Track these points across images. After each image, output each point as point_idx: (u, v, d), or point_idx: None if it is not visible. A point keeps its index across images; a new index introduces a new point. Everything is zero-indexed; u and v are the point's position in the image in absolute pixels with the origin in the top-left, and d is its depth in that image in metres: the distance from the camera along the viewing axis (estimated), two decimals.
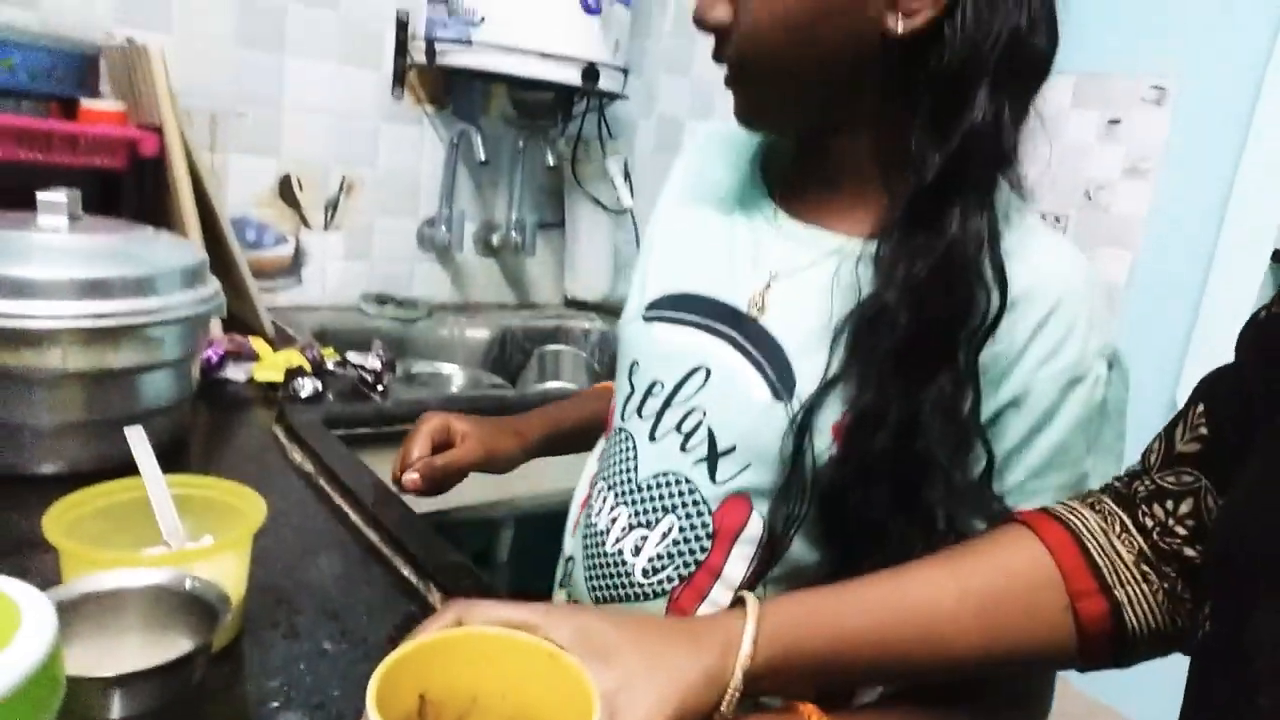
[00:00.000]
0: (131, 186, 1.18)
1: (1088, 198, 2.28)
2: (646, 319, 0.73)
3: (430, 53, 1.54)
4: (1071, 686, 2.32)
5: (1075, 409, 0.59)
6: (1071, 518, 0.54)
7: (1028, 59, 0.57)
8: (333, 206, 1.64)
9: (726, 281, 0.69)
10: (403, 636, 0.46)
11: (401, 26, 1.62)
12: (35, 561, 0.62)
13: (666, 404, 0.69)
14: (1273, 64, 1.94)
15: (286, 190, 1.59)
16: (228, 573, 0.57)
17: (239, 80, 1.48)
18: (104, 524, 0.59)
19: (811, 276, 0.64)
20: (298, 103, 1.55)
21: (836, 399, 0.60)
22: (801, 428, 0.60)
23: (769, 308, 0.66)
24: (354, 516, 0.80)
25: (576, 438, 0.90)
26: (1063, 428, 0.59)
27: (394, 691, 0.39)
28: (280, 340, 1.38)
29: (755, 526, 0.65)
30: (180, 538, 0.60)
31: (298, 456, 0.93)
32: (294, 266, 1.64)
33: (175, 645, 0.46)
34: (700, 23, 0.61)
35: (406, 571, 0.72)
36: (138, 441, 0.62)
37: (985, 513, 0.59)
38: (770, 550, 0.64)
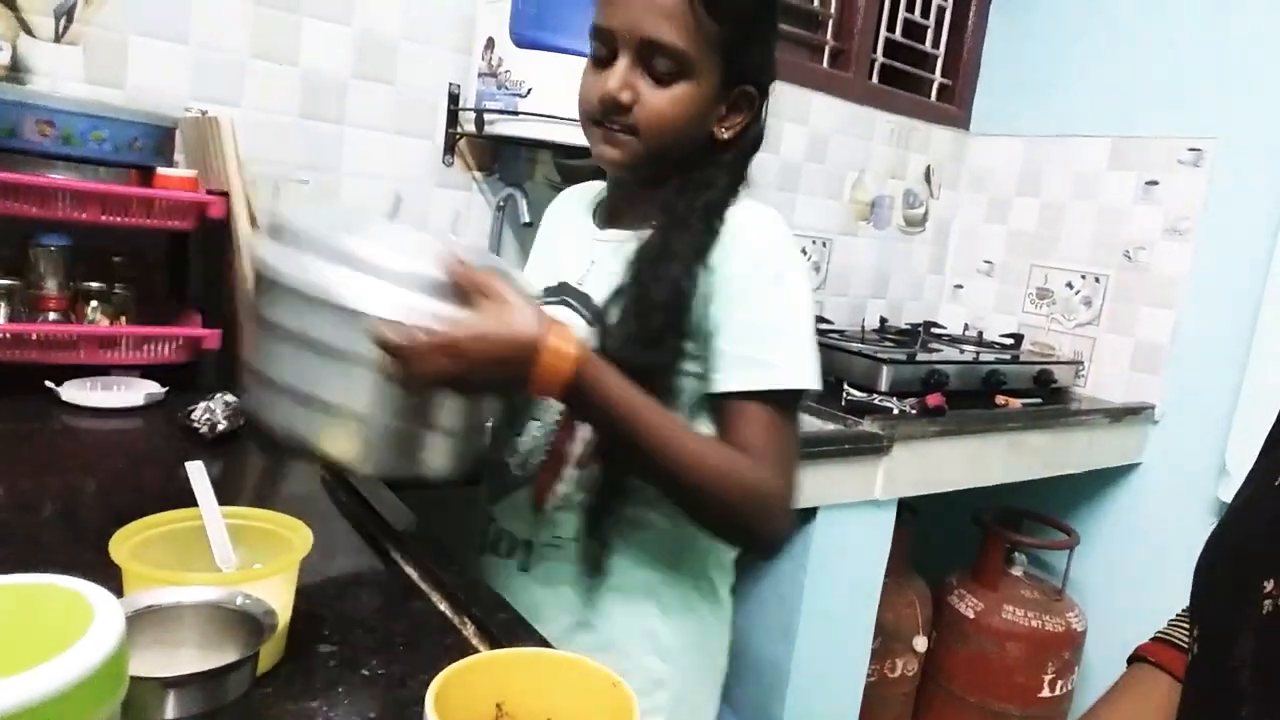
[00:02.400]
0: (199, 244, 1.27)
1: (1127, 258, 2.29)
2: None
3: (480, 122, 1.63)
4: None
5: (742, 272, 0.86)
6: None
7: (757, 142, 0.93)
8: None
9: (563, 272, 0.98)
10: (441, 666, 0.49)
11: (453, 99, 1.72)
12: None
13: None
14: None
15: None
16: (274, 597, 0.61)
17: (302, 149, 1.58)
18: (163, 552, 0.63)
19: (614, 257, 0.91)
20: (355, 169, 1.65)
21: (617, 308, 0.87)
22: (601, 324, 0.89)
23: (587, 280, 0.94)
24: (394, 554, 0.84)
25: None
26: (738, 285, 0.85)
27: (469, 695, 0.42)
28: None
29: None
30: (232, 565, 0.64)
31: (343, 497, 0.97)
32: None
33: (227, 657, 0.50)
34: (610, 99, 0.84)
35: (443, 606, 0.76)
36: (197, 475, 0.67)
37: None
38: None
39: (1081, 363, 2.35)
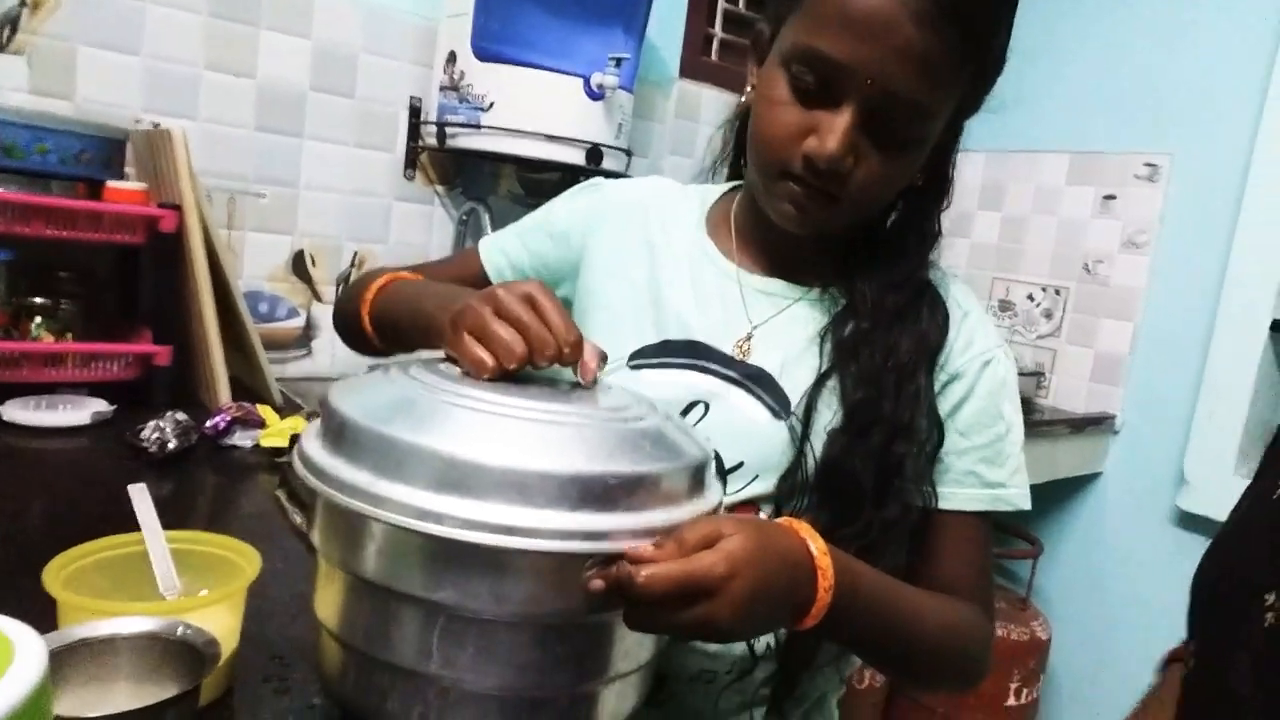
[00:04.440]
0: (150, 259, 1.23)
1: (1087, 270, 2.32)
2: (633, 367, 0.80)
3: (441, 136, 1.61)
4: None
5: (987, 383, 0.76)
6: None
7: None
8: (344, 281, 1.69)
9: (708, 330, 0.79)
10: None
11: (415, 112, 1.70)
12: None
13: None
14: (1260, 139, 1.99)
15: (299, 265, 1.64)
16: (220, 624, 0.58)
17: (258, 163, 1.55)
18: (103, 578, 0.61)
19: (784, 319, 0.79)
20: (313, 182, 1.62)
21: (827, 407, 0.74)
22: (804, 430, 0.73)
23: (753, 350, 0.77)
24: None
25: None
26: (981, 396, 0.76)
27: None
28: (288, 408, 1.41)
29: None
30: (176, 591, 0.62)
31: (298, 519, 0.94)
32: (304, 338, 1.68)
33: (165, 691, 0.48)
34: (830, 164, 0.67)
35: None
36: (139, 498, 0.64)
37: (931, 485, 0.74)
38: None
39: (1043, 374, 2.38)
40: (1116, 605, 2.24)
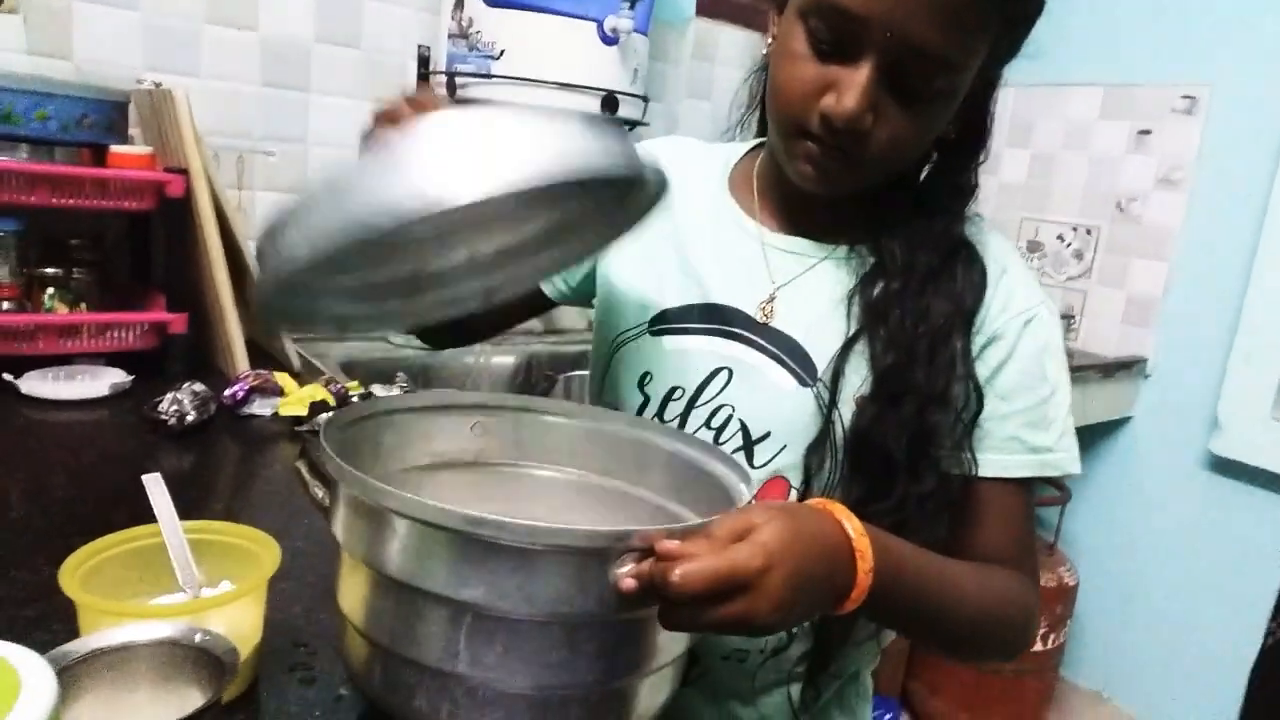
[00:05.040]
0: (160, 225, 1.21)
1: (1119, 209, 2.25)
2: (654, 333, 0.78)
3: (451, 86, 1.56)
4: (1069, 682, 2.26)
5: (1029, 343, 0.71)
6: None
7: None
8: None
9: (730, 293, 0.76)
10: None
11: (423, 61, 1.64)
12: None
13: (691, 405, 0.76)
14: None
15: None
16: (243, 620, 0.57)
17: (265, 119, 1.51)
18: (124, 570, 0.59)
19: (809, 280, 0.75)
20: (322, 138, 1.58)
21: (857, 370, 0.70)
22: (831, 398, 0.70)
23: (777, 313, 0.74)
24: None
25: None
26: (1023, 357, 0.71)
27: None
28: (306, 373, 1.40)
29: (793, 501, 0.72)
30: (196, 584, 0.60)
31: (320, 493, 0.93)
32: None
33: (185, 699, 0.47)
34: (849, 122, 0.63)
35: None
36: (155, 489, 0.63)
37: (970, 454, 0.70)
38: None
39: (1073, 317, 2.32)
40: (1145, 551, 2.23)
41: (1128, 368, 2.19)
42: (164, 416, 1.05)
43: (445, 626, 0.49)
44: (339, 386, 1.20)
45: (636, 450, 0.69)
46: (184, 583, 0.60)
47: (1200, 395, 2.10)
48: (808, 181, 0.69)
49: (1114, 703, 2.27)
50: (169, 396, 1.06)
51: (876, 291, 0.71)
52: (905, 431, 0.68)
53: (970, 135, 0.73)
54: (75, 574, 0.55)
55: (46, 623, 0.63)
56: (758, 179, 0.80)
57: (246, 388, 1.14)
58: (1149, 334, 2.20)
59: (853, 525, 0.54)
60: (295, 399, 1.14)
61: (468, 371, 1.73)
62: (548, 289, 0.89)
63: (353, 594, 0.54)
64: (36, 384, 1.12)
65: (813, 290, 0.74)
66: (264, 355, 1.41)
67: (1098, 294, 2.30)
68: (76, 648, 0.45)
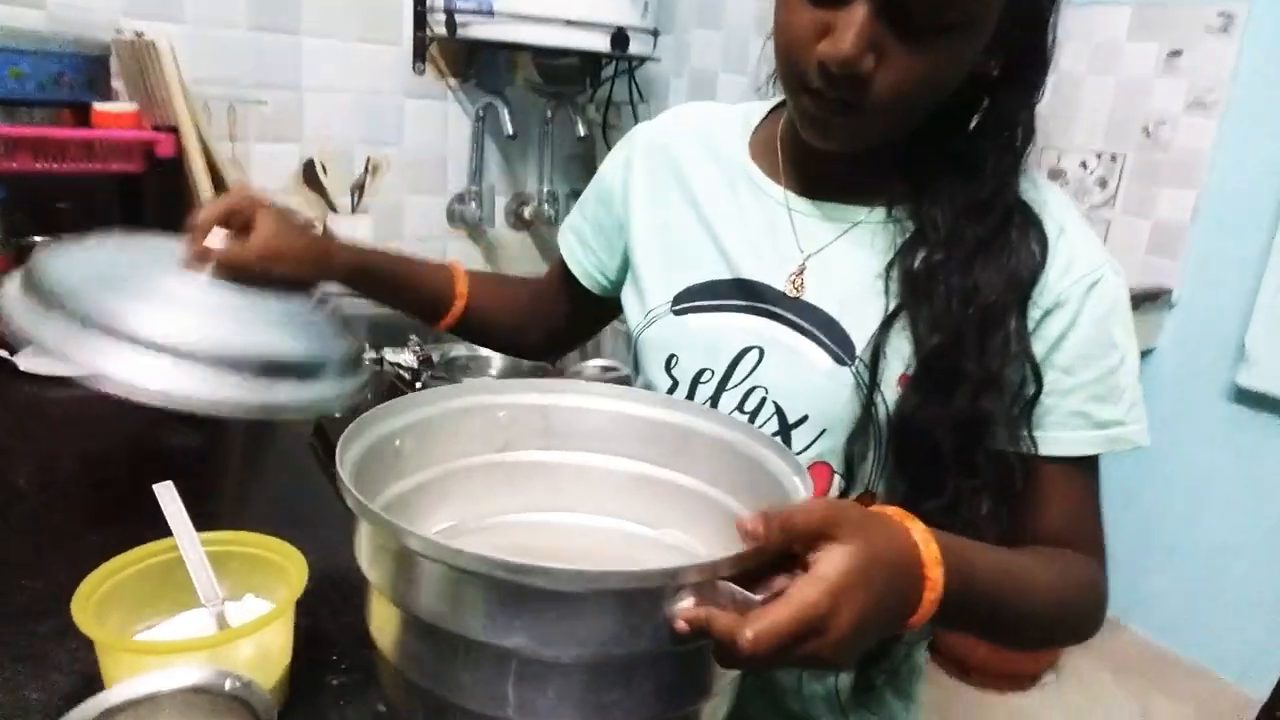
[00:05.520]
0: (153, 187, 1.14)
1: (1147, 135, 2.16)
2: (677, 312, 0.74)
3: (451, 25, 1.47)
4: (1129, 631, 2.28)
5: (1094, 308, 0.64)
6: None
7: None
8: (359, 188, 1.60)
9: (756, 265, 0.70)
10: None
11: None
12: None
13: (721, 388, 0.71)
14: None
15: (311, 175, 1.54)
16: (271, 643, 0.54)
17: (256, 66, 1.43)
18: (142, 588, 0.56)
19: (841, 248, 0.69)
20: (317, 84, 1.49)
21: (898, 350, 0.65)
22: (871, 379, 0.65)
23: (808, 285, 0.69)
24: None
25: (391, 290, 0.83)
26: (1088, 324, 0.64)
27: None
28: None
29: (837, 490, 0.68)
30: (219, 599, 0.57)
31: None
32: None
33: None
34: (846, 66, 0.56)
35: None
36: (169, 500, 0.59)
37: (1028, 434, 0.64)
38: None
39: None
40: (1168, 484, 2.21)
41: (1152, 299, 2.13)
42: None
43: (490, 673, 0.45)
44: None
45: (675, 434, 0.65)
46: (205, 599, 0.56)
47: (1227, 326, 2.05)
48: (815, 138, 0.63)
49: (1132, 629, 2.29)
50: None
51: (917, 263, 0.64)
52: (954, 421, 0.62)
53: (1020, 69, 0.63)
54: (90, 602, 0.51)
55: (64, 640, 0.59)
56: (782, 140, 0.73)
57: None
58: (1175, 264, 2.14)
59: (928, 550, 0.49)
60: None
61: None
62: (592, 286, 0.86)
63: (386, 629, 0.50)
64: (35, 360, 1.08)
65: (846, 259, 0.68)
66: None
67: (1122, 223, 2.23)
68: (100, 703, 0.41)
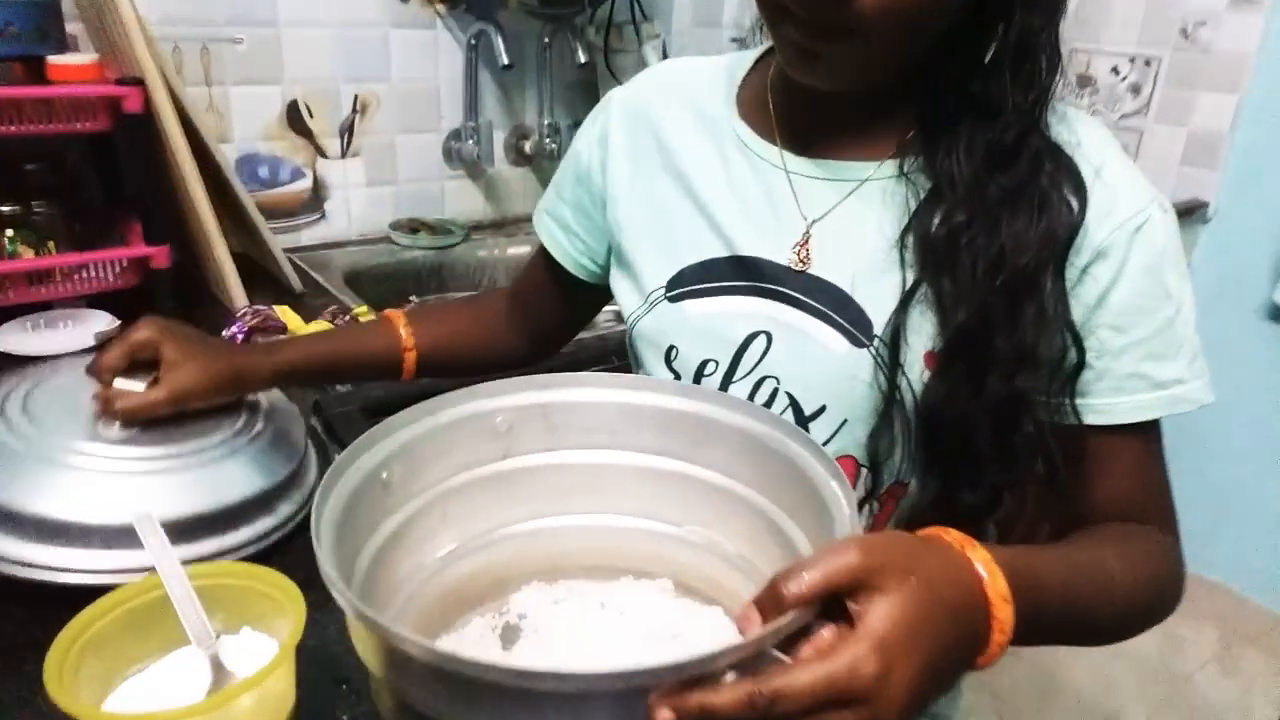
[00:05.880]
0: (124, 146, 1.05)
1: (1184, 35, 2.02)
2: (672, 299, 0.67)
3: None
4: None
5: (1143, 254, 0.57)
6: None
7: None
8: (348, 131, 1.50)
9: (755, 240, 0.64)
10: None
11: None
12: None
13: (728, 379, 0.65)
14: None
15: (296, 119, 1.44)
16: (275, 692, 0.49)
17: (227, 1, 1.32)
18: (126, 635, 0.51)
19: (849, 211, 0.62)
20: (295, 18, 1.38)
21: (921, 327, 0.58)
22: (893, 363, 0.58)
23: (815, 257, 0.62)
24: None
25: (329, 374, 0.81)
26: (1137, 273, 0.57)
27: None
28: (309, 292, 1.28)
29: (864, 485, 0.63)
30: (211, 639, 0.52)
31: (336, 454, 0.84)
32: (315, 200, 1.51)
33: None
34: None
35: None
36: (149, 532, 0.53)
37: (1074, 405, 0.58)
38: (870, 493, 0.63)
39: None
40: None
41: (1187, 213, 2.03)
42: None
43: None
44: (345, 319, 1.09)
45: (692, 425, 0.59)
46: (197, 640, 0.51)
47: (1265, 242, 1.96)
48: (803, 74, 0.57)
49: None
50: None
51: (935, 226, 0.57)
52: (988, 407, 0.56)
53: None
54: (67, 659, 0.46)
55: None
56: (772, 91, 0.66)
57: (245, 329, 1.03)
58: (1212, 175, 2.03)
59: (995, 586, 0.42)
60: None
61: (482, 266, 1.61)
62: (581, 273, 0.78)
63: (384, 700, 0.45)
64: (15, 338, 1.02)
65: (855, 224, 0.61)
66: (261, 275, 1.29)
67: (1155, 132, 2.11)
68: None
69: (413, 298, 1.16)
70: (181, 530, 0.61)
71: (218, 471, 0.65)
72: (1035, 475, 0.58)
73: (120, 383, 0.66)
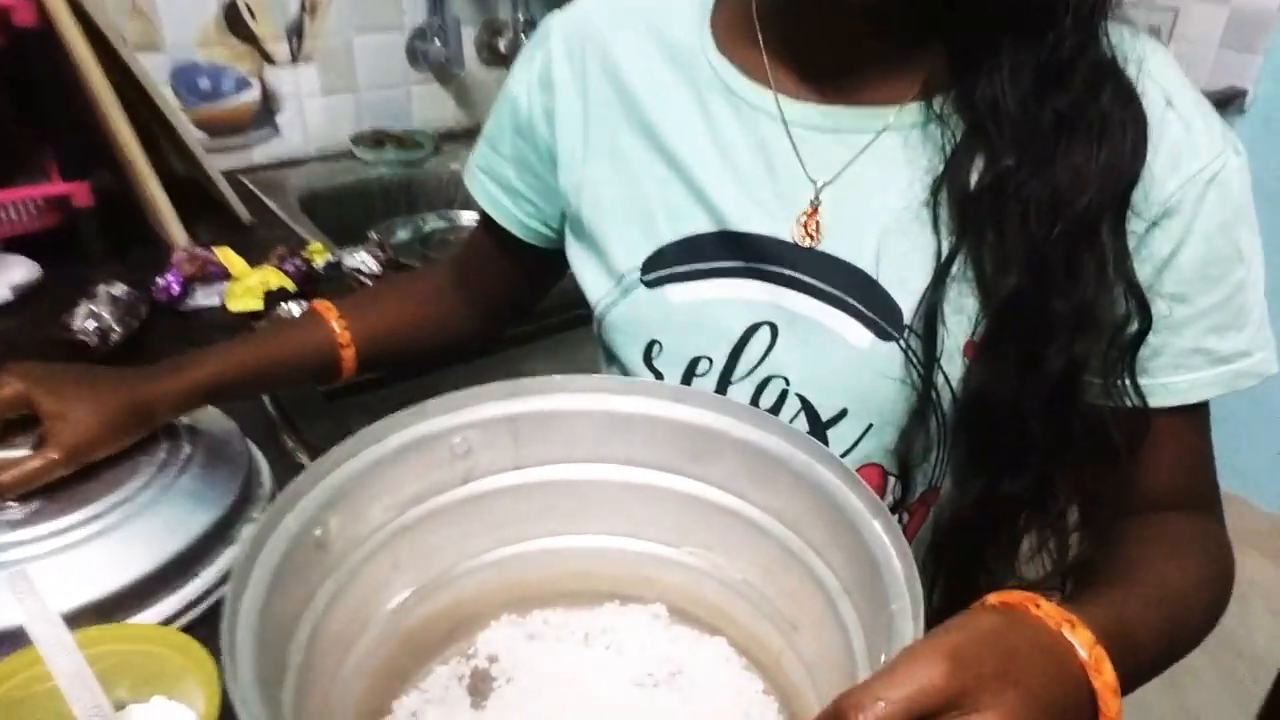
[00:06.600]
0: (19, 70, 0.91)
1: None
2: (650, 284, 0.56)
3: None
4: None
5: (1215, 211, 0.48)
6: None
7: None
8: (296, 32, 1.33)
9: (750, 210, 0.53)
10: None
11: None
12: None
13: (725, 381, 0.56)
14: None
15: (236, 20, 1.27)
16: None
17: None
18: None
19: (866, 170, 0.51)
20: None
21: (961, 308, 0.49)
22: (928, 356, 0.49)
23: (826, 229, 0.51)
24: None
25: (256, 384, 0.66)
26: (1205, 234, 0.48)
27: None
28: (260, 225, 1.15)
29: (892, 494, 0.55)
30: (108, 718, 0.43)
31: (290, 442, 0.74)
32: (265, 114, 1.36)
33: None
34: None
35: None
36: (25, 592, 0.43)
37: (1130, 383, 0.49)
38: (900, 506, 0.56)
39: (1158, 39, 1.96)
40: None
41: (1225, 102, 1.87)
42: (82, 337, 0.83)
43: None
44: (297, 262, 0.96)
45: (690, 435, 0.49)
46: None
47: None
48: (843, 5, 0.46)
49: None
50: (82, 308, 0.84)
51: (977, 175, 0.48)
52: (1045, 386, 0.48)
53: None
54: None
55: None
56: (761, 15, 0.53)
57: (179, 279, 0.91)
58: (1253, 60, 1.86)
59: (1103, 679, 0.34)
60: (244, 288, 0.92)
61: (456, 182, 1.47)
62: (534, 240, 0.65)
63: None
64: None
65: (875, 185, 0.51)
66: (205, 202, 1.15)
67: (1192, 12, 1.93)
68: None
69: (370, 233, 1.03)
70: (130, 601, 0.50)
71: (153, 520, 0.54)
72: (1088, 464, 0.51)
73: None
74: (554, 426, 0.49)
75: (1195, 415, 0.53)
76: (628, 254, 0.56)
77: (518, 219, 0.64)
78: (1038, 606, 0.35)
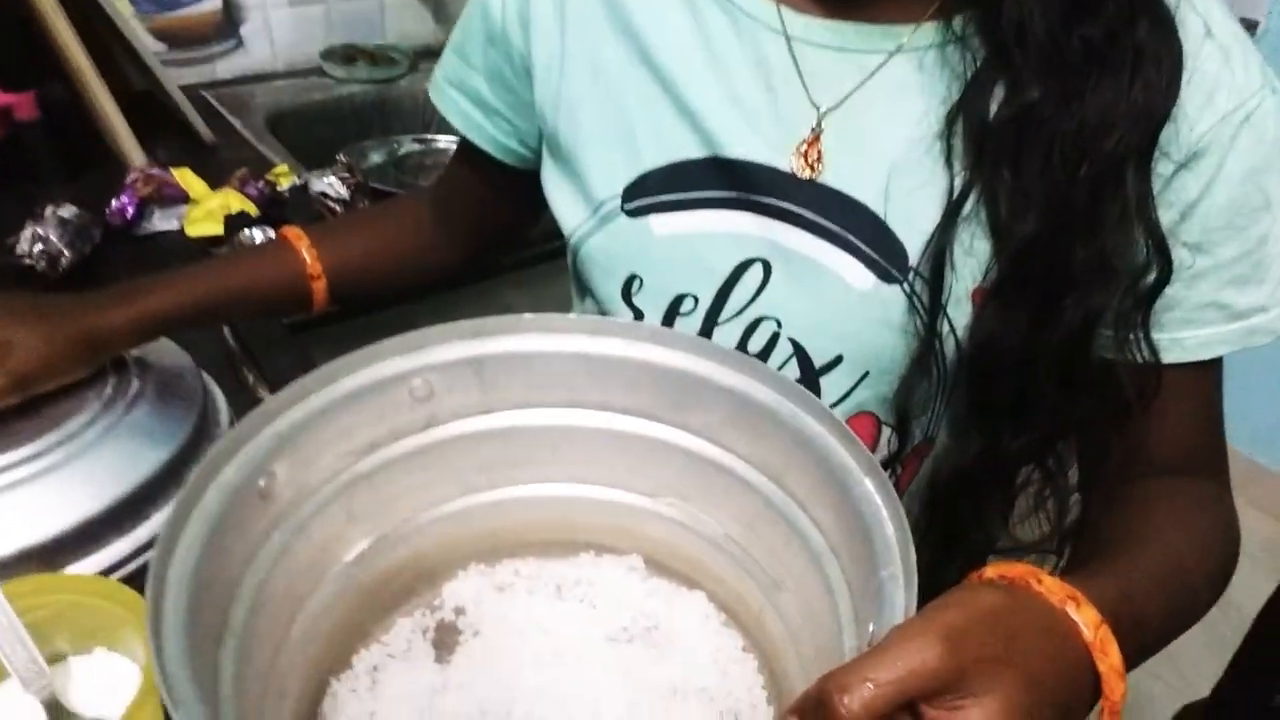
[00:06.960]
0: None
1: None
2: (631, 213, 0.52)
3: None
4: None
5: (1246, 155, 0.45)
6: None
7: None
8: None
9: (746, 134, 0.49)
10: None
11: None
12: None
13: (711, 321, 0.52)
14: None
15: None
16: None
17: None
18: None
19: (875, 95, 0.47)
20: None
21: (972, 250, 0.46)
22: (934, 302, 0.46)
23: (828, 160, 0.47)
24: None
25: (216, 315, 0.62)
26: (1234, 179, 0.45)
27: None
28: (224, 145, 1.10)
29: (887, 446, 0.53)
30: (41, 680, 0.40)
31: (251, 377, 0.70)
32: (229, 25, 1.28)
33: None
34: None
35: None
36: None
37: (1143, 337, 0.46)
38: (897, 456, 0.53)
39: None
40: None
41: None
42: (28, 260, 0.79)
43: None
44: (260, 185, 0.91)
45: (671, 381, 0.46)
46: (28, 685, 0.40)
47: None
48: None
49: None
50: (28, 231, 0.79)
51: (998, 105, 0.44)
52: (1055, 336, 0.45)
53: None
54: None
55: None
56: None
57: (134, 200, 0.86)
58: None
59: (1109, 661, 0.32)
60: (204, 212, 0.87)
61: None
62: (512, 160, 0.60)
63: None
64: None
65: (884, 113, 0.47)
66: (164, 119, 1.09)
67: None
68: None
69: (338, 157, 0.97)
70: (74, 545, 0.47)
71: (98, 459, 0.50)
72: (1096, 420, 0.49)
73: None
74: (523, 369, 0.45)
75: (1205, 372, 0.50)
76: (607, 180, 0.52)
77: (494, 138, 0.59)
78: (1039, 582, 0.33)
